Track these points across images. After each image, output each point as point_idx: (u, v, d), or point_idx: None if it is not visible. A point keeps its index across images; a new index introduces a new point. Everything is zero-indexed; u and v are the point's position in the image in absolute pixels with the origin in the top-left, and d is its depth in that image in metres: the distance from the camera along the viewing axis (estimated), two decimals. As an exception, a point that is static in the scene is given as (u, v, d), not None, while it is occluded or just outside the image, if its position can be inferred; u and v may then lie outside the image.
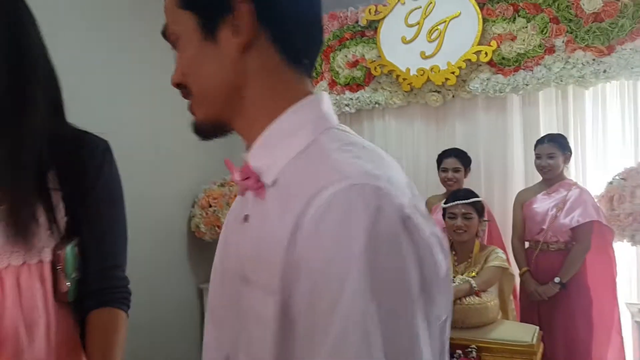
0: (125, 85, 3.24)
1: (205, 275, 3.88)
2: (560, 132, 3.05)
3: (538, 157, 2.83)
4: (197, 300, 3.82)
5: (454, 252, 2.53)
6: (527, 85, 3.15)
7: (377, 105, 3.66)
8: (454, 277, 2.34)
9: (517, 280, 2.88)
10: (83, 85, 2.90)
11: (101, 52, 3.05)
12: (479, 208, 2.44)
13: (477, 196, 2.48)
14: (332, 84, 3.82)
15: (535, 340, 2.05)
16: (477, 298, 2.17)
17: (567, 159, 2.83)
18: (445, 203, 2.52)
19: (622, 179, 2.69)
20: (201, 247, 3.80)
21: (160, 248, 3.51)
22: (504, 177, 3.32)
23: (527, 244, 2.93)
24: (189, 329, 3.76)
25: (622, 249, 2.82)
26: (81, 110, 2.92)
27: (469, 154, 3.18)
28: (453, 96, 3.44)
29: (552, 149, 2.78)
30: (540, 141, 2.86)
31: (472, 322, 2.13)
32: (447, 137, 3.53)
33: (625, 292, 2.95)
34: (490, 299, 2.20)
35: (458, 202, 2.43)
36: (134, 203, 3.27)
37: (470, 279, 2.23)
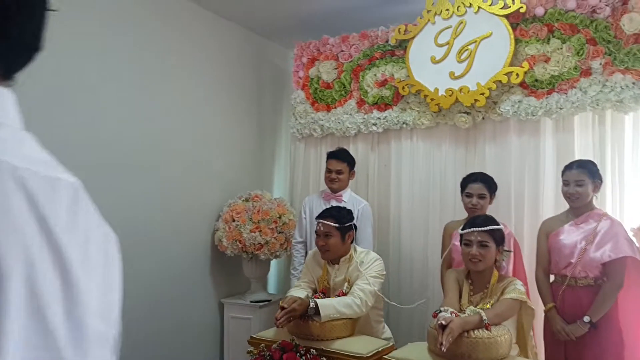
0: (156, 101, 3.33)
1: (226, 290, 3.88)
2: (596, 160, 2.87)
3: (566, 183, 2.65)
4: (218, 313, 3.82)
5: (470, 282, 2.40)
6: (560, 109, 2.99)
7: (404, 126, 3.59)
8: (465, 307, 2.22)
9: (541, 314, 2.70)
10: (113, 100, 3.00)
11: (130, 64, 3.15)
12: (498, 237, 2.31)
13: (496, 224, 2.35)
14: (361, 103, 3.78)
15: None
16: (486, 332, 2.03)
17: (597, 188, 2.63)
18: (462, 229, 2.41)
19: (660, 211, 2.49)
20: (223, 262, 3.81)
21: (184, 259, 3.56)
22: (535, 205, 3.14)
23: (552, 278, 2.74)
24: (209, 342, 3.76)
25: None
26: (110, 123, 3.02)
27: (499, 179, 3.04)
28: (483, 118, 3.32)
29: (581, 176, 2.59)
30: (568, 167, 2.68)
31: (479, 357, 1.99)
32: (476, 160, 3.40)
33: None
34: (501, 333, 2.06)
35: (474, 229, 2.31)
36: (162, 213, 3.37)
37: (481, 310, 2.10)
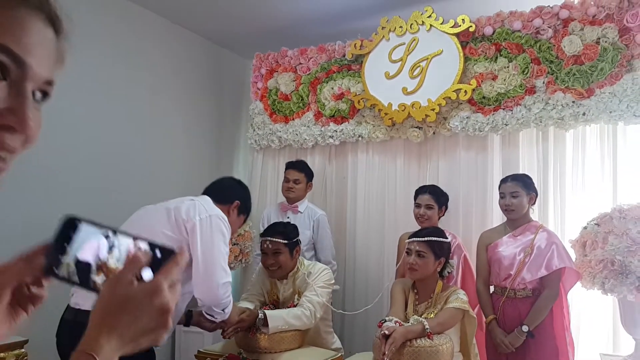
0: (113, 110, 3.30)
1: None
2: (539, 174, 3.00)
3: (502, 196, 2.77)
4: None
5: (415, 291, 2.46)
6: (506, 125, 3.12)
7: (360, 139, 3.66)
8: (410, 317, 2.27)
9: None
10: (71, 109, 2.95)
11: (89, 74, 3.12)
12: (438, 249, 2.37)
13: (439, 236, 2.42)
14: (318, 115, 3.84)
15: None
16: (428, 340, 2.09)
17: (532, 200, 2.75)
18: (407, 239, 2.47)
19: (596, 224, 2.61)
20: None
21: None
22: (483, 218, 3.25)
23: (492, 289, 2.83)
24: (160, 356, 3.69)
25: (598, 298, 2.72)
26: (67, 131, 2.95)
27: (450, 192, 3.14)
28: (434, 133, 3.42)
29: (516, 188, 2.71)
30: (503, 180, 2.81)
31: (421, 365, 2.04)
32: (428, 173, 3.50)
33: (601, 343, 2.83)
34: (443, 342, 2.12)
35: (414, 238, 2.38)
36: (118, 224, 3.30)
37: (423, 319, 2.16)
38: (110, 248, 0.64)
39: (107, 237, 0.64)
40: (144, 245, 0.64)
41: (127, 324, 0.57)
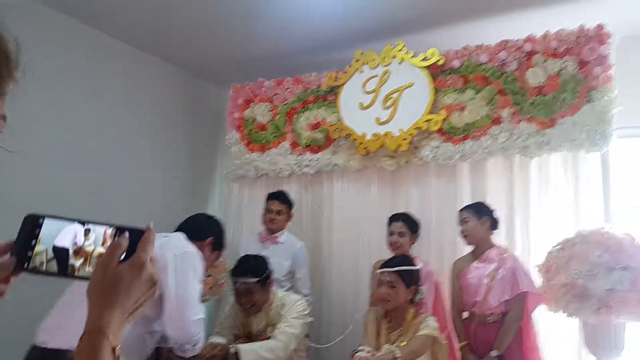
0: (91, 142, 3.33)
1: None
2: (506, 201, 3.10)
3: (459, 224, 2.91)
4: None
5: (388, 319, 2.50)
6: (474, 153, 3.23)
7: (335, 167, 3.74)
8: (382, 345, 2.31)
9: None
10: (48, 142, 2.98)
11: (66, 106, 3.15)
12: (408, 278, 2.43)
13: (409, 264, 2.49)
14: (294, 145, 3.91)
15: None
16: (399, 368, 2.13)
17: (484, 224, 2.84)
18: (378, 269, 2.53)
19: (560, 249, 2.70)
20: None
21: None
22: (454, 244, 3.31)
23: (466, 314, 2.90)
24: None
25: (564, 320, 2.79)
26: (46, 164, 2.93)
27: (422, 219, 3.21)
28: (406, 162, 3.51)
29: (465, 214, 2.87)
30: (460, 209, 2.96)
31: (392, 393, 2.08)
32: (402, 201, 3.57)
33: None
34: (413, 369, 2.16)
35: (385, 269, 2.43)
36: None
37: (395, 348, 2.20)
38: (86, 232, 0.71)
39: (82, 223, 0.71)
40: (112, 230, 0.71)
41: (124, 299, 0.66)
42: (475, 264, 2.84)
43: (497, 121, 3.22)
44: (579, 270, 2.45)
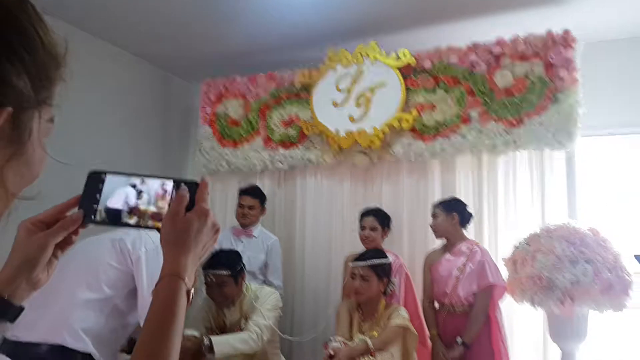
0: (57, 135, 3.24)
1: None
2: (474, 197, 3.19)
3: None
4: None
5: (360, 311, 2.54)
6: (444, 151, 3.31)
7: (309, 163, 3.76)
8: (355, 336, 2.34)
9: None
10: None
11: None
12: (380, 270, 2.48)
13: (381, 257, 2.53)
14: (267, 141, 3.91)
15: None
16: (372, 358, 2.17)
17: (454, 219, 2.94)
18: (352, 263, 2.56)
19: (527, 243, 2.80)
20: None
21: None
22: (425, 240, 3.39)
23: (438, 305, 2.97)
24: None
25: (529, 311, 2.88)
26: None
27: (393, 214, 3.27)
28: (379, 158, 3.57)
29: (437, 210, 2.99)
30: (433, 205, 3.08)
31: (365, 381, 2.11)
32: (374, 197, 3.63)
33: (531, 354, 3.01)
34: (385, 358, 2.20)
35: (358, 263, 2.47)
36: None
37: (367, 338, 2.24)
38: (139, 193, 0.76)
39: (133, 185, 0.76)
40: (170, 184, 0.77)
41: (195, 245, 0.72)
42: (446, 256, 2.92)
43: (466, 120, 3.31)
44: (544, 263, 2.56)
